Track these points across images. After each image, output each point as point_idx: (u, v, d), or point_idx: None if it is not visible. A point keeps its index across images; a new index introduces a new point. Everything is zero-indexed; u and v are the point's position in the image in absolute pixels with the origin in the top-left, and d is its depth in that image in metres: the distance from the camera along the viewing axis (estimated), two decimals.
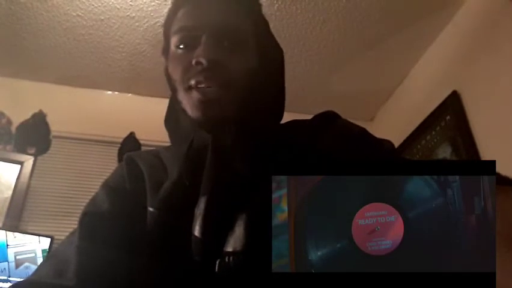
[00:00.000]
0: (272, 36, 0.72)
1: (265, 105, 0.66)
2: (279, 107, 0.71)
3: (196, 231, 0.56)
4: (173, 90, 0.65)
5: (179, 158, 0.63)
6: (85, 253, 0.57)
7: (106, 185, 0.68)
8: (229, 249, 0.53)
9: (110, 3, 2.16)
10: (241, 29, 0.64)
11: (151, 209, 0.60)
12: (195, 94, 0.60)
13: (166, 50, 0.69)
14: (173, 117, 0.68)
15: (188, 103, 0.62)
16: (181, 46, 0.64)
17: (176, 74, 0.64)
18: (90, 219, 0.62)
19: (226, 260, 0.53)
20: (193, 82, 0.60)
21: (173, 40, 0.65)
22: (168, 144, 0.72)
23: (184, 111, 0.63)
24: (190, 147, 0.63)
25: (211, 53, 0.59)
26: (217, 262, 0.53)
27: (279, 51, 0.71)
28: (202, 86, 0.60)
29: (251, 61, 0.64)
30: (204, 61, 0.59)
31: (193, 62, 0.59)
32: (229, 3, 0.65)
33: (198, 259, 0.55)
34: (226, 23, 0.63)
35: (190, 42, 0.63)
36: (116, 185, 0.67)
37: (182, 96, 0.63)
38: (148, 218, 0.60)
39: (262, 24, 0.70)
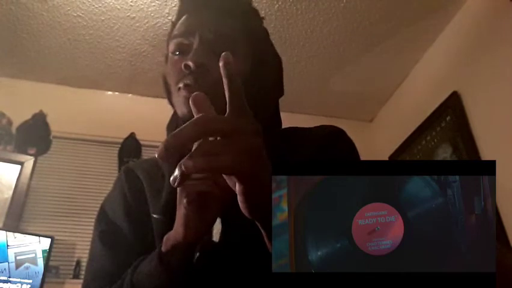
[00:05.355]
0: (271, 46, 0.75)
1: (258, 110, 0.67)
2: (275, 113, 0.73)
3: None
4: (168, 94, 0.68)
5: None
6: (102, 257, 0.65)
7: (108, 207, 0.71)
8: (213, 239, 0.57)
9: (111, 3, 2.16)
10: (233, 37, 0.67)
11: (155, 215, 0.63)
12: (182, 92, 0.63)
13: (166, 57, 0.72)
14: (174, 122, 0.70)
15: (177, 103, 0.65)
16: (177, 52, 0.67)
17: (170, 78, 0.67)
18: (105, 235, 0.68)
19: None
20: (182, 84, 0.63)
21: (171, 47, 0.69)
22: None
23: (176, 113, 0.66)
24: None
25: (199, 57, 0.62)
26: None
27: (277, 61, 0.74)
28: (191, 88, 0.62)
29: (242, 68, 0.65)
30: (191, 64, 0.62)
31: (182, 65, 0.62)
32: (224, 14, 0.68)
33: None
34: (218, 30, 0.66)
35: (184, 49, 0.66)
36: (118, 202, 0.70)
37: (174, 98, 0.66)
38: (153, 224, 0.63)
39: (259, 35, 0.73)
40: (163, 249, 0.54)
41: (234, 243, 0.53)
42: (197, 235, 0.52)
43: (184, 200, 0.49)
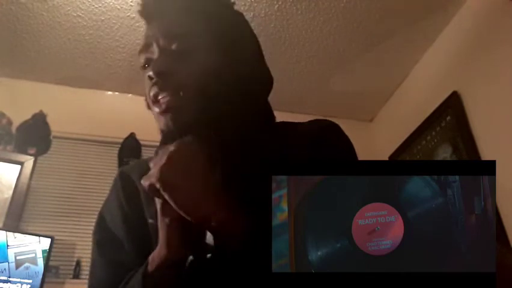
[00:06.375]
0: (246, 28, 0.71)
1: (240, 104, 0.65)
2: (263, 106, 0.70)
3: None
4: (149, 108, 0.68)
5: None
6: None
7: (107, 213, 0.71)
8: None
9: (111, 3, 2.16)
10: (192, 33, 0.65)
11: (150, 220, 0.63)
12: (155, 108, 0.63)
13: None
14: None
15: (155, 118, 0.65)
16: (146, 66, 0.67)
17: (146, 93, 0.67)
18: (103, 245, 0.67)
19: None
20: (152, 96, 0.63)
21: (140, 63, 0.69)
22: None
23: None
24: None
25: (160, 66, 0.62)
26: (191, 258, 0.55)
27: (254, 44, 0.71)
28: (159, 97, 0.62)
29: (209, 62, 0.64)
30: (152, 74, 0.62)
31: (146, 77, 0.63)
32: (179, 13, 0.67)
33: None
34: (172, 32, 0.65)
35: (149, 62, 0.66)
36: (115, 209, 0.69)
37: (152, 112, 0.66)
38: (150, 229, 0.62)
39: (227, 23, 0.69)
40: (149, 268, 0.54)
41: (228, 246, 0.52)
42: (181, 254, 0.52)
43: (166, 220, 0.50)
